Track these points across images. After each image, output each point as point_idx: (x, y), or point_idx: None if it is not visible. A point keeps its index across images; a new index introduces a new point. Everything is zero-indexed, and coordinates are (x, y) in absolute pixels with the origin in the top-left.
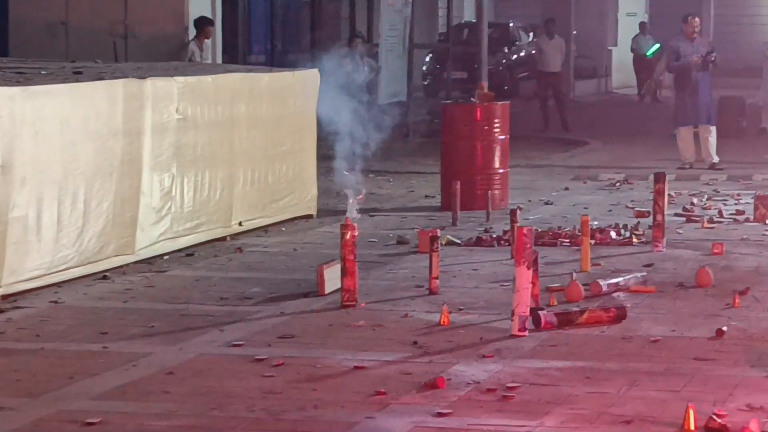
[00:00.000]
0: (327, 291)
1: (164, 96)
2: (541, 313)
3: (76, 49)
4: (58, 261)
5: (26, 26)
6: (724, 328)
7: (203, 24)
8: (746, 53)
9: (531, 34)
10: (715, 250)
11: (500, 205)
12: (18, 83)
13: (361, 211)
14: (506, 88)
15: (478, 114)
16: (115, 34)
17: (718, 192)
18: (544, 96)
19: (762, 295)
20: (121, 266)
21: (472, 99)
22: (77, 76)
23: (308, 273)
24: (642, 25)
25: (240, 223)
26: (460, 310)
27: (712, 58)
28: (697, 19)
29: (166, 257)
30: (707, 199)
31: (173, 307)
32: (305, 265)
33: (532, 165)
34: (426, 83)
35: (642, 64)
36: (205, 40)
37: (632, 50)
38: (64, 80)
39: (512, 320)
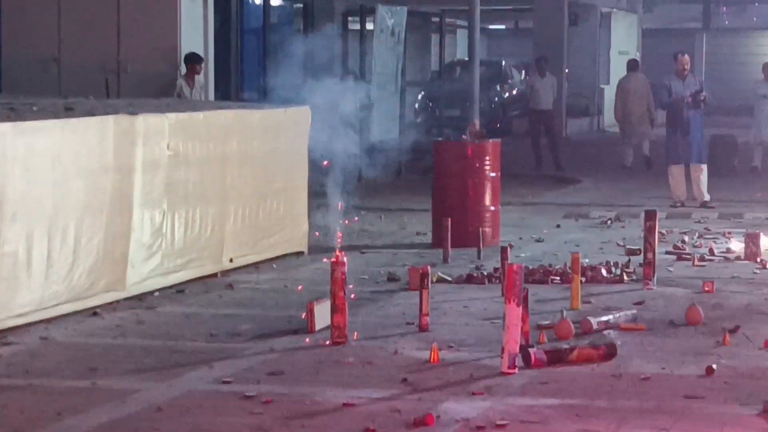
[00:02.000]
0: (317, 328)
1: (156, 132)
2: (531, 350)
3: (68, 86)
4: (48, 297)
5: (18, 62)
6: (714, 366)
7: (192, 60)
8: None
9: (523, 72)
10: (706, 288)
11: (492, 243)
12: (9, 119)
13: (352, 247)
14: (498, 125)
15: (470, 152)
16: (107, 70)
17: (709, 230)
18: (536, 134)
19: (752, 333)
20: (111, 302)
21: (463, 136)
22: (69, 112)
23: (298, 310)
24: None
25: (231, 260)
26: (450, 347)
27: (703, 97)
28: (686, 57)
29: (156, 293)
30: (698, 237)
31: (163, 343)
32: (295, 302)
33: (524, 202)
34: (418, 121)
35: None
36: (196, 77)
37: None
38: (56, 116)
39: (502, 357)
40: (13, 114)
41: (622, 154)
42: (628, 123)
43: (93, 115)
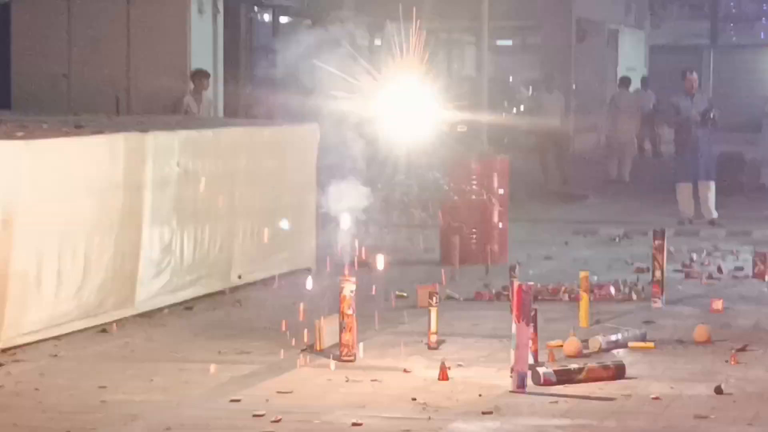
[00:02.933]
0: (325, 346)
1: (165, 150)
2: (540, 369)
3: (78, 102)
4: (58, 314)
5: (29, 79)
6: (723, 386)
7: (199, 76)
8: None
9: (530, 88)
10: (714, 307)
11: (500, 260)
12: (20, 137)
13: (360, 264)
14: (506, 141)
15: (478, 168)
16: (117, 87)
17: (718, 248)
18: (543, 150)
19: (761, 352)
20: (120, 319)
21: (471, 153)
22: (79, 129)
23: (307, 327)
24: (643, 79)
25: (239, 276)
26: (459, 365)
27: (712, 116)
28: (695, 75)
29: (165, 310)
30: (706, 255)
31: (172, 360)
32: (304, 319)
33: (532, 219)
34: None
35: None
36: (204, 93)
37: None
38: (66, 134)
39: (511, 377)
40: (24, 131)
41: (607, 168)
42: (616, 139)
43: (103, 132)
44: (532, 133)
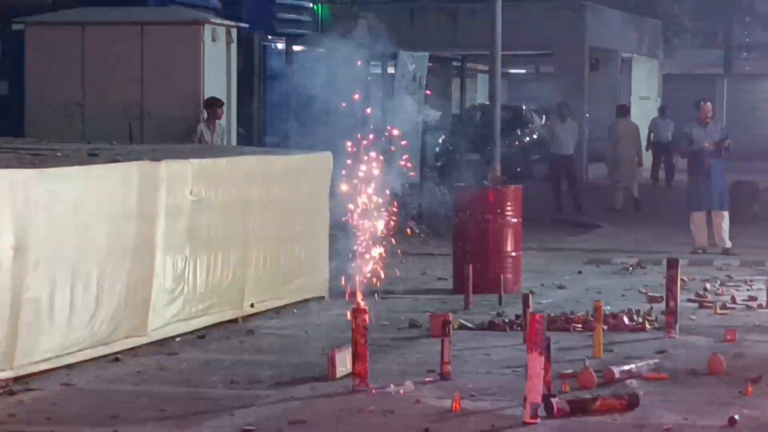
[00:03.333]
0: (338, 375)
1: (179, 178)
2: (553, 400)
3: (91, 131)
4: (71, 343)
5: (42, 107)
6: (737, 417)
7: (212, 104)
8: (759, 137)
9: (543, 117)
10: (728, 337)
11: (513, 289)
12: (33, 165)
13: (372, 293)
14: (519, 170)
15: (491, 197)
16: (130, 115)
17: (731, 277)
18: (557, 179)
19: None
20: (133, 348)
21: (485, 182)
22: (92, 158)
23: (320, 356)
24: (662, 108)
25: (252, 305)
26: (472, 396)
27: (726, 145)
28: (709, 105)
29: (177, 339)
30: (720, 285)
31: (184, 390)
32: (317, 348)
33: (545, 248)
34: (439, 164)
35: (660, 147)
36: (217, 122)
37: (650, 133)
38: (80, 162)
39: (524, 407)
40: (38, 160)
41: (612, 198)
42: (617, 168)
43: (116, 161)
44: (544, 161)
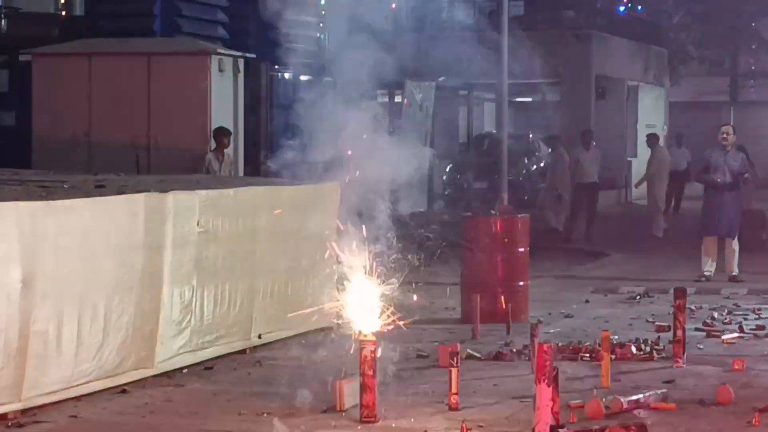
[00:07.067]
0: (346, 406)
1: (186, 209)
2: (561, 430)
3: (98, 161)
4: (78, 375)
5: (49, 138)
6: None
7: (219, 134)
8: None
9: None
10: (736, 367)
11: (521, 318)
12: (40, 197)
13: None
14: (526, 198)
15: (499, 226)
16: (137, 146)
17: (739, 306)
18: (578, 207)
19: None
20: (140, 380)
21: (492, 211)
22: (100, 189)
23: (327, 387)
24: (678, 136)
25: (259, 336)
26: (480, 427)
27: (744, 179)
28: (725, 128)
29: (185, 370)
30: (728, 314)
31: (192, 422)
32: (324, 380)
33: (552, 276)
34: (446, 193)
35: (674, 176)
36: (225, 151)
37: None
38: (87, 194)
39: None
40: (45, 192)
41: (655, 226)
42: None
43: (123, 192)
44: (555, 188)
